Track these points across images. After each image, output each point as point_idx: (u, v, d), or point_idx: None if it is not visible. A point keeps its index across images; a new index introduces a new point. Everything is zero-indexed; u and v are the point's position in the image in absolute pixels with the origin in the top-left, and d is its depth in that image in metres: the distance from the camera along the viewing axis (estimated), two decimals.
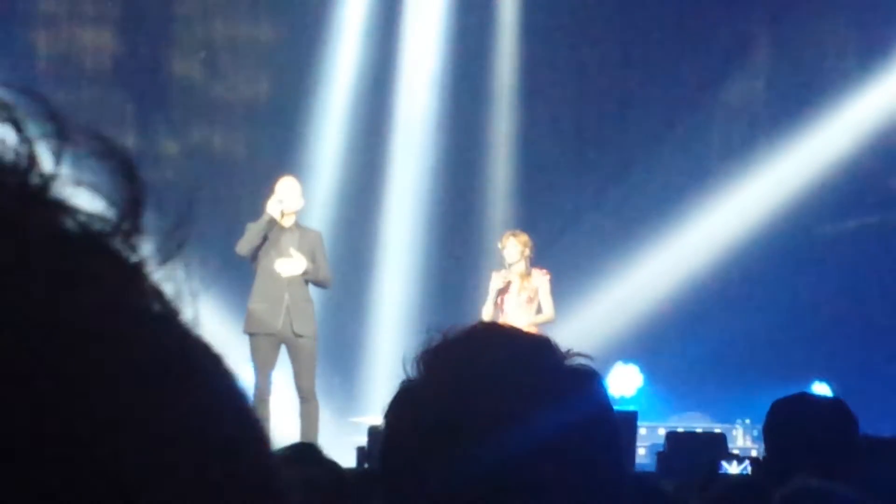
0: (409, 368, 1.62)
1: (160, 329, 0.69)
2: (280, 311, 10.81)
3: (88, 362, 0.64)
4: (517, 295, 11.60)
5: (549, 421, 1.54)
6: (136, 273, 0.68)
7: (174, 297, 0.72)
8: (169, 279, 0.72)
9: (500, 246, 11.80)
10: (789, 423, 4.39)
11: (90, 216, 0.68)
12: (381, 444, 1.64)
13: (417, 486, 1.55)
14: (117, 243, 0.68)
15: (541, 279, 11.72)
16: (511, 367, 1.58)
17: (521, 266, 11.61)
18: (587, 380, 1.60)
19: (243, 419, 0.71)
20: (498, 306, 11.60)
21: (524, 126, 16.20)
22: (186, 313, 0.72)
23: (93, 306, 0.65)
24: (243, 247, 10.96)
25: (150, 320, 0.69)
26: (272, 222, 10.88)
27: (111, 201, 0.69)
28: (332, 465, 4.70)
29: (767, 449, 4.46)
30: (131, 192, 0.68)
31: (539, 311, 11.66)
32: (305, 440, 10.46)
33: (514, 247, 11.64)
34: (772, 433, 4.46)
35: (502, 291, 11.58)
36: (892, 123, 15.86)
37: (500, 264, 11.80)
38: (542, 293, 11.69)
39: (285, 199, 10.95)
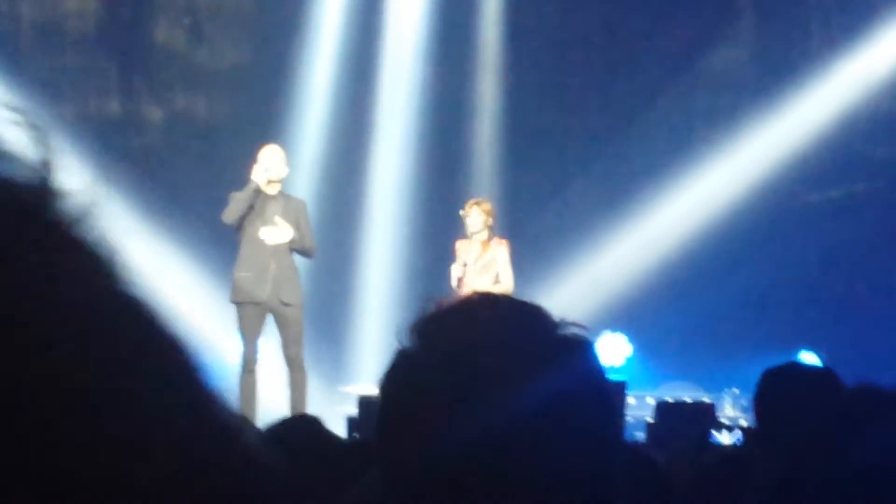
0: (403, 337, 1.62)
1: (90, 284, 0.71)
2: (266, 279, 10.80)
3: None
4: (474, 263, 11.59)
5: (544, 388, 1.54)
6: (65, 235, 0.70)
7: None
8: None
9: (462, 214, 11.77)
10: (779, 393, 4.40)
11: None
12: (377, 413, 1.63)
13: (414, 455, 1.55)
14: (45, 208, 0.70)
15: (499, 248, 11.72)
16: (506, 336, 1.59)
17: (484, 235, 11.63)
18: (580, 348, 1.60)
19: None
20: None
21: (508, 94, 16.19)
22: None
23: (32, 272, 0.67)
24: (229, 215, 10.93)
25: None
26: (258, 191, 10.85)
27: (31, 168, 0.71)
28: (335, 439, 4.69)
29: (758, 418, 4.47)
30: (45, 157, 0.70)
31: (497, 280, 11.63)
32: (294, 410, 10.49)
33: (477, 216, 11.64)
34: (762, 403, 4.47)
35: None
36: (877, 92, 15.87)
37: (464, 234, 11.78)
38: (502, 263, 11.69)
39: (270, 167, 10.92)
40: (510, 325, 1.61)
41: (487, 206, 11.81)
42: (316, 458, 4.32)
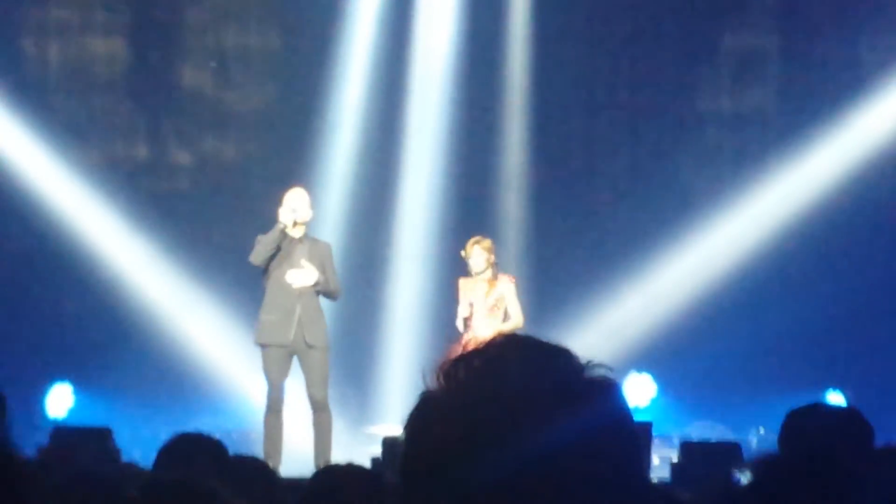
0: (428, 379, 1.63)
1: None
2: (292, 322, 10.81)
3: None
4: (483, 301, 11.51)
5: (570, 430, 1.54)
6: None
7: None
8: None
9: (463, 255, 11.62)
10: (804, 434, 4.37)
11: None
12: (401, 453, 1.64)
13: (438, 496, 1.55)
14: None
15: (506, 285, 11.58)
16: (532, 378, 1.59)
17: (489, 273, 11.51)
18: (607, 389, 1.61)
19: None
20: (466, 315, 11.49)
21: (537, 135, 16.19)
22: None
23: None
24: (256, 257, 10.95)
25: None
26: (284, 232, 10.89)
27: None
28: (379, 481, 4.68)
29: (782, 460, 4.44)
30: None
31: (506, 318, 11.54)
32: (319, 451, 10.49)
33: (479, 255, 11.49)
34: (787, 444, 4.44)
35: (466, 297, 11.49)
36: None
37: (466, 272, 11.68)
38: (509, 299, 11.54)
39: (297, 209, 10.96)
40: (536, 367, 1.61)
41: (488, 243, 11.64)
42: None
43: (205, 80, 16.21)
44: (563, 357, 1.62)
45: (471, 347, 1.66)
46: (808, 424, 4.40)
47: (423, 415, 1.62)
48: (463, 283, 11.64)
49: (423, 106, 16.02)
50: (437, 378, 1.61)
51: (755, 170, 15.98)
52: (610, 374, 1.61)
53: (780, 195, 15.75)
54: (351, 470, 4.72)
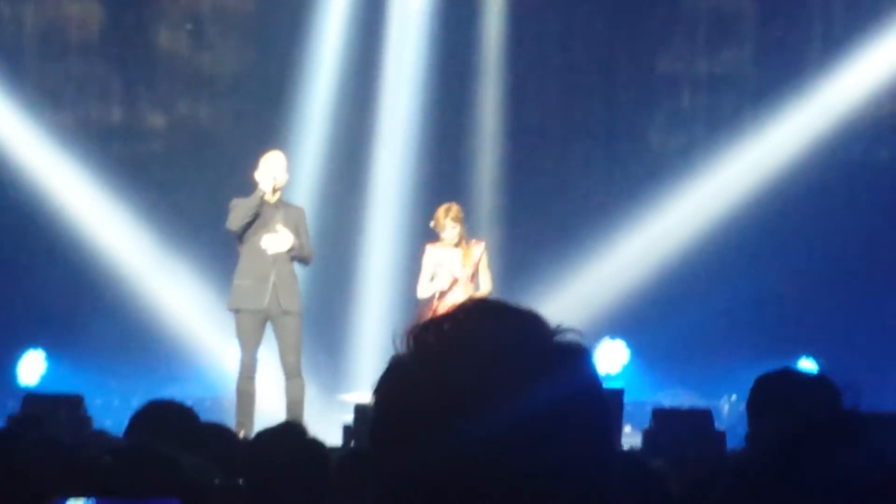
0: (398, 344, 1.62)
1: None
2: (266, 287, 10.80)
3: None
4: (461, 271, 11.34)
5: (540, 395, 1.54)
6: None
7: None
8: None
9: (433, 225, 11.47)
10: (773, 399, 4.38)
11: None
12: (370, 420, 1.63)
13: (408, 461, 1.55)
14: None
15: (479, 251, 11.47)
16: (501, 343, 1.58)
17: (459, 240, 11.38)
18: (577, 355, 1.60)
19: None
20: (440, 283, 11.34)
21: (510, 99, 16.17)
22: None
23: None
24: (234, 222, 10.90)
25: None
26: (263, 198, 10.84)
27: None
28: (317, 445, 4.71)
29: (750, 425, 4.45)
30: None
31: (477, 286, 11.41)
32: (291, 417, 10.47)
33: (452, 227, 11.31)
34: (755, 409, 4.45)
35: (441, 266, 11.34)
36: (880, 96, 15.83)
37: (434, 236, 11.54)
38: (482, 267, 11.43)
39: (277, 174, 10.92)
40: (506, 331, 1.60)
41: (457, 211, 11.45)
42: (300, 465, 4.34)
43: (180, 43, 16.14)
44: (533, 322, 1.61)
45: (440, 312, 1.65)
46: (776, 390, 4.41)
47: (393, 380, 1.61)
48: (431, 250, 11.51)
49: (398, 71, 15.98)
50: (407, 342, 1.60)
51: (728, 134, 15.96)
52: (580, 339, 1.61)
53: (752, 160, 15.73)
54: (288, 431, 4.73)
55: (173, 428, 4.57)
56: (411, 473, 1.54)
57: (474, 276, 11.44)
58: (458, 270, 11.33)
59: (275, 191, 10.92)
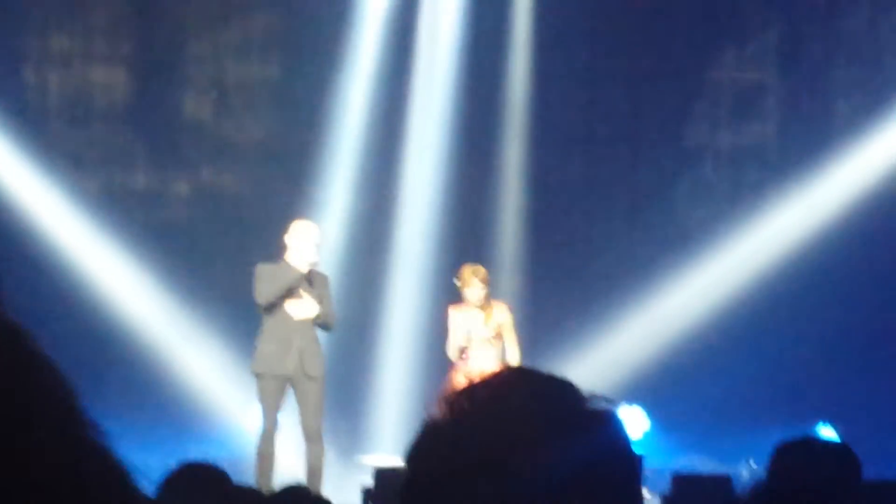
0: (432, 409, 1.65)
1: None
2: (291, 352, 10.81)
3: None
4: (482, 331, 11.35)
5: (572, 459, 1.57)
6: None
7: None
8: None
9: (457, 283, 11.50)
10: (792, 468, 4.37)
11: None
12: (402, 482, 1.66)
13: None
14: None
15: (504, 314, 11.47)
16: (536, 408, 1.61)
17: (483, 301, 11.38)
18: (608, 420, 1.63)
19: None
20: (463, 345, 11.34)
21: (535, 167, 16.22)
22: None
23: None
24: (267, 297, 10.86)
25: None
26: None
27: None
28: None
29: (770, 492, 4.44)
30: None
31: (504, 351, 11.38)
32: (310, 482, 10.48)
33: (478, 287, 11.33)
34: (775, 478, 4.44)
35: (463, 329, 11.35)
36: None
37: (458, 299, 11.58)
38: (507, 331, 11.43)
39: (313, 253, 10.90)
40: (540, 397, 1.62)
41: (484, 273, 11.50)
42: None
43: (205, 110, 16.25)
44: (566, 388, 1.65)
45: (474, 379, 1.69)
46: (796, 458, 4.40)
47: (427, 443, 1.63)
48: (454, 311, 11.52)
49: (422, 136, 16.05)
50: (442, 408, 1.64)
51: (752, 204, 16.01)
52: (611, 406, 1.65)
53: (775, 230, 15.77)
54: (294, 493, 4.75)
55: (207, 490, 4.57)
56: None
57: (493, 339, 11.43)
58: (477, 329, 11.32)
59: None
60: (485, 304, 11.42)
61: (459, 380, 11.01)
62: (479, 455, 1.56)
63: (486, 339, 11.33)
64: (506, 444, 1.56)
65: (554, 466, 1.55)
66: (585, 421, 1.61)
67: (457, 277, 11.58)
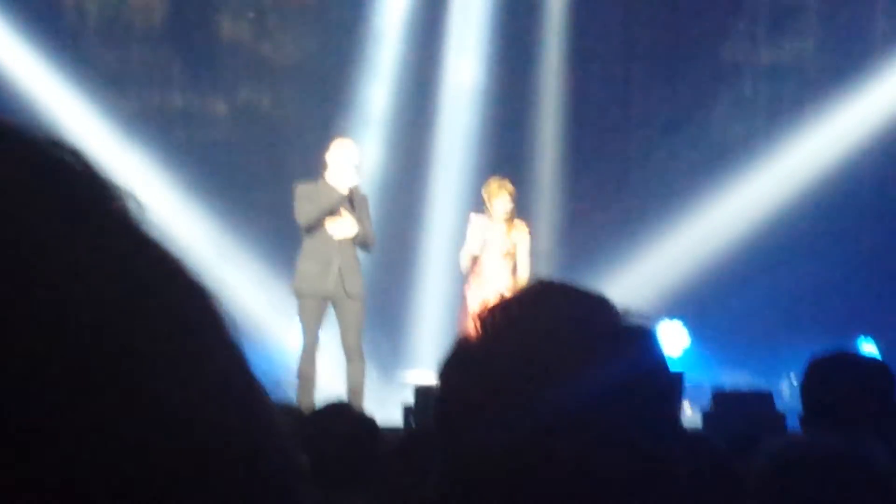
0: (463, 327, 1.63)
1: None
2: (331, 271, 10.82)
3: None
4: (499, 244, 11.28)
5: (607, 377, 1.55)
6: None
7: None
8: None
9: (485, 195, 11.39)
10: (825, 382, 4.35)
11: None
12: (435, 401, 1.64)
13: (474, 443, 1.55)
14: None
15: (523, 234, 11.35)
16: (569, 325, 1.59)
17: (507, 216, 11.29)
18: (643, 337, 1.61)
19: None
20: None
21: (571, 87, 16.15)
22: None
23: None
24: (309, 219, 10.84)
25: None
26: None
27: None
28: (366, 421, 4.73)
29: (804, 408, 4.43)
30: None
31: (514, 268, 11.28)
32: (352, 399, 10.51)
33: (505, 200, 11.23)
34: (808, 392, 4.42)
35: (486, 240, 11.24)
36: None
37: (482, 209, 11.47)
38: (521, 250, 11.30)
39: (353, 175, 10.89)
40: (573, 312, 1.61)
41: (511, 187, 11.39)
42: (349, 443, 4.36)
43: (242, 31, 16.20)
44: (600, 304, 1.62)
45: (503, 295, 1.67)
46: (828, 372, 4.38)
47: (459, 361, 1.62)
48: (476, 219, 11.42)
49: (459, 57, 15.99)
50: (474, 325, 1.61)
51: (790, 122, 15.91)
52: (646, 322, 1.62)
53: (813, 148, 15.68)
54: (337, 409, 4.75)
55: None
56: (475, 454, 1.55)
57: (508, 255, 11.31)
58: (495, 242, 11.22)
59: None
60: (508, 220, 11.31)
61: (473, 297, 10.97)
62: (511, 373, 1.54)
63: (502, 254, 11.21)
64: (539, 361, 1.54)
65: (588, 384, 1.53)
66: (620, 337, 1.58)
67: (484, 189, 11.49)
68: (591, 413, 1.53)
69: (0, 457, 0.59)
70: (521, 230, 11.39)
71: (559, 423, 1.52)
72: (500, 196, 11.28)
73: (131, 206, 0.65)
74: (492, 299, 1.68)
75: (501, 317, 1.61)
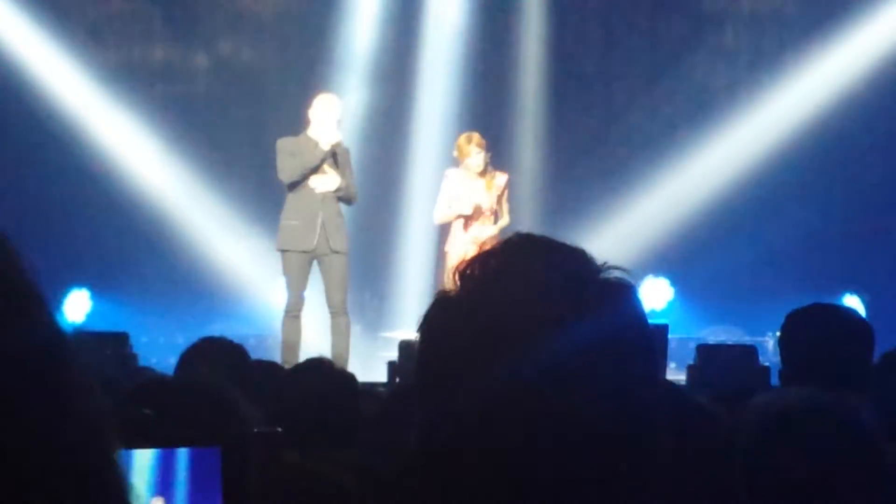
0: (442, 281, 1.61)
1: None
2: (315, 227, 10.79)
3: None
4: (486, 198, 11.17)
5: (586, 332, 1.53)
6: None
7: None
8: None
9: (457, 155, 11.23)
10: (803, 335, 4.36)
11: None
12: (416, 356, 1.62)
13: (453, 398, 1.54)
14: None
15: (503, 181, 11.23)
16: (548, 277, 1.57)
17: (483, 168, 11.19)
18: (623, 290, 1.59)
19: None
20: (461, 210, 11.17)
21: (553, 40, 16.09)
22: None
23: None
24: (292, 176, 10.79)
25: None
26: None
27: None
28: (345, 377, 4.73)
29: (783, 360, 4.44)
30: None
31: (496, 220, 11.22)
32: (337, 356, 10.52)
33: (478, 154, 11.09)
34: (786, 345, 4.44)
35: (460, 194, 11.17)
36: None
37: (454, 163, 11.34)
38: (502, 197, 11.18)
39: (335, 132, 10.83)
40: (552, 266, 1.59)
41: (478, 136, 11.23)
42: (328, 398, 4.36)
43: None
44: (579, 257, 1.60)
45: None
46: (806, 326, 4.39)
47: (438, 316, 1.60)
48: (453, 174, 11.30)
49: (440, 9, 15.93)
50: (453, 278, 1.59)
51: (771, 72, 15.86)
52: (626, 276, 1.60)
53: (796, 97, 15.64)
54: (315, 365, 4.76)
55: (224, 365, 4.59)
56: (455, 409, 1.54)
57: (498, 204, 11.27)
58: (482, 199, 11.17)
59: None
60: (485, 171, 11.24)
61: (455, 253, 10.90)
62: (490, 327, 1.53)
63: (484, 209, 11.12)
64: (517, 315, 1.53)
65: (566, 339, 1.51)
66: (599, 290, 1.56)
67: (455, 149, 11.38)
68: (569, 364, 1.51)
69: None
70: (500, 180, 11.30)
71: (537, 375, 1.51)
72: (470, 153, 11.17)
73: None
74: (470, 253, 1.66)
75: (480, 270, 1.59)
